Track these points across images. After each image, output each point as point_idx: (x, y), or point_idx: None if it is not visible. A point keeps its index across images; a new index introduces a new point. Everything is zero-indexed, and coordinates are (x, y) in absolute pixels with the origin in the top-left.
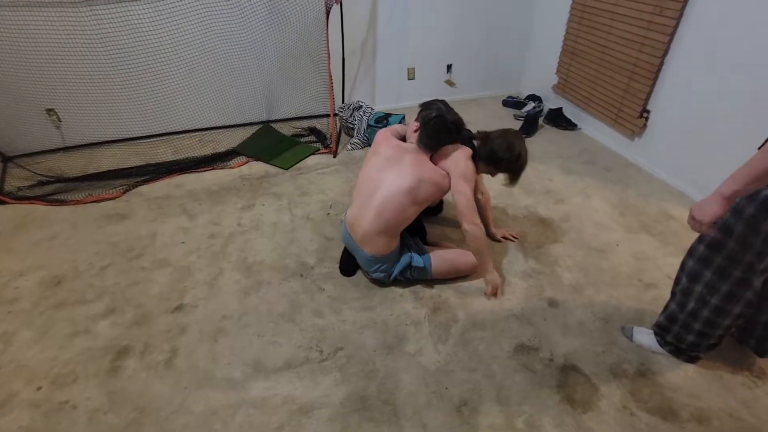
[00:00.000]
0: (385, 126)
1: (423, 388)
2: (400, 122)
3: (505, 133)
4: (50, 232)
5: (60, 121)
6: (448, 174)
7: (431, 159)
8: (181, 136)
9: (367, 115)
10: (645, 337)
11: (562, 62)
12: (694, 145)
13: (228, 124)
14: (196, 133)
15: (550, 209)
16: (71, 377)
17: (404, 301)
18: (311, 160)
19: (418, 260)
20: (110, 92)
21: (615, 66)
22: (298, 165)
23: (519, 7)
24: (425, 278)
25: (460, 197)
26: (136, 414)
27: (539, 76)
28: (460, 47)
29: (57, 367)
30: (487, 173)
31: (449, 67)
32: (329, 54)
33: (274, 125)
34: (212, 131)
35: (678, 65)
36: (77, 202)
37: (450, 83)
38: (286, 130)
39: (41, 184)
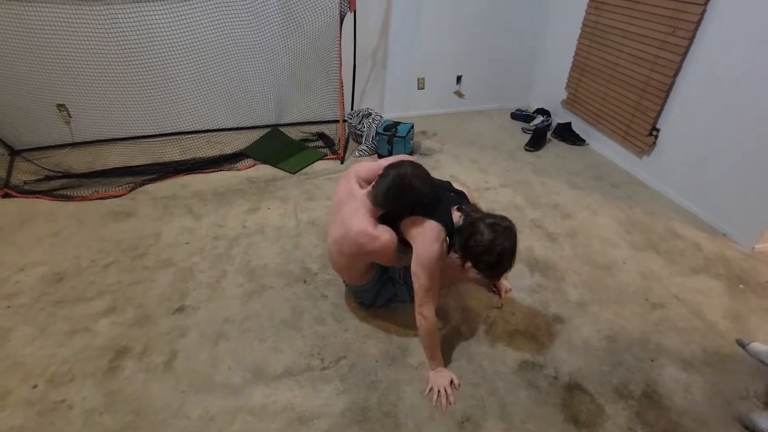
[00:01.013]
0: (393, 134)
1: (425, 401)
2: (408, 131)
3: (494, 226)
4: (55, 228)
5: (70, 117)
6: (394, 242)
7: (401, 223)
8: (189, 136)
9: (376, 122)
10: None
11: (572, 78)
12: (702, 164)
13: (237, 126)
14: (205, 134)
15: (557, 224)
16: (68, 376)
17: (407, 313)
18: (318, 165)
19: (403, 294)
20: (120, 90)
21: (625, 83)
22: (305, 170)
23: (531, 21)
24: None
25: (414, 281)
26: (132, 416)
27: (548, 91)
28: (471, 59)
29: (54, 365)
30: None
31: (459, 78)
32: (341, 60)
33: (283, 129)
34: (220, 132)
35: (689, 85)
36: (83, 198)
37: (459, 94)
38: (295, 134)
39: (48, 179)
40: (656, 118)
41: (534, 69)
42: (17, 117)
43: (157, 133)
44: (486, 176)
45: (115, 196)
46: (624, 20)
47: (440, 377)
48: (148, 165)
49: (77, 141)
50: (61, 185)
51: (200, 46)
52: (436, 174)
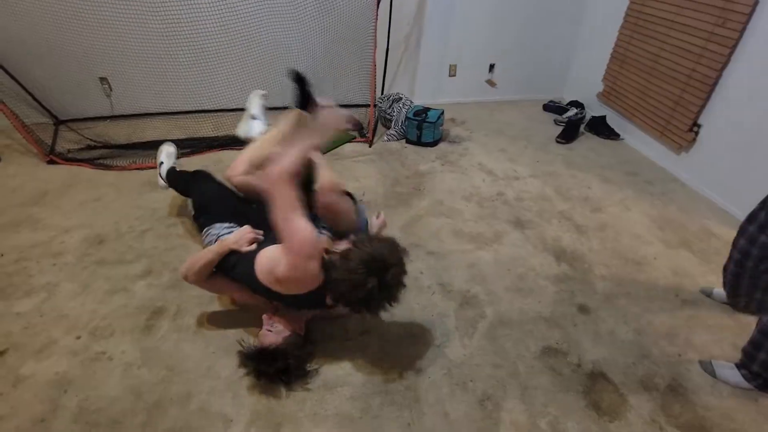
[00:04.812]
0: (423, 120)
1: (447, 378)
2: (438, 117)
3: (371, 253)
4: (96, 194)
5: (111, 90)
6: None
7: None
8: (222, 113)
9: (406, 107)
10: (728, 372)
11: (610, 69)
12: (744, 163)
13: (268, 105)
14: (237, 113)
15: (587, 217)
16: (108, 331)
17: (432, 293)
18: (347, 147)
19: None
20: (159, 66)
21: (668, 76)
22: (334, 151)
23: (569, 10)
24: None
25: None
26: (166, 372)
27: (584, 83)
28: (505, 48)
29: (96, 320)
30: None
31: (492, 66)
32: (376, 44)
33: None
34: None
35: (737, 79)
36: (122, 168)
37: (491, 83)
38: None
39: (89, 148)
40: (698, 114)
41: (570, 60)
42: (63, 88)
43: (192, 109)
44: (515, 166)
45: (152, 168)
46: (671, 10)
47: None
48: (182, 139)
49: (117, 114)
50: (101, 155)
51: (238, 24)
52: (464, 161)
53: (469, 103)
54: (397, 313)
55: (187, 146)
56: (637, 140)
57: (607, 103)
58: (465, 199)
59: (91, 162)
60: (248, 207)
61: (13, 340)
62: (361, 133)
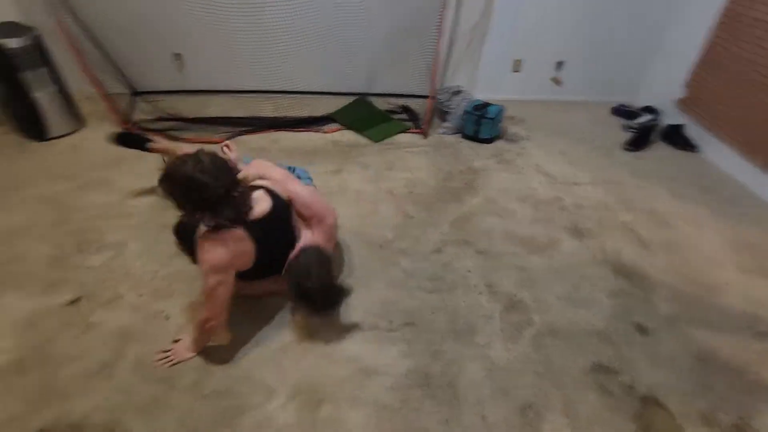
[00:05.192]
0: (483, 115)
1: (488, 380)
2: (498, 113)
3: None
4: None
5: (183, 66)
6: None
7: None
8: (282, 95)
9: (466, 101)
10: None
11: (697, 75)
12: None
13: (327, 90)
14: (297, 95)
15: (652, 231)
16: (168, 292)
17: (478, 293)
18: (401, 137)
19: None
20: (228, 45)
21: (765, 86)
22: (387, 140)
23: (652, 7)
24: None
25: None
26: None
27: (662, 87)
28: (577, 44)
29: (157, 281)
30: None
31: (560, 64)
32: (441, 33)
33: (370, 99)
34: (311, 95)
35: None
36: (188, 140)
37: (556, 81)
38: (380, 104)
39: (160, 119)
40: None
41: (648, 62)
42: (140, 62)
43: (255, 89)
44: (575, 170)
45: (215, 142)
46: None
47: (187, 354)
48: (244, 117)
49: (186, 89)
50: (171, 127)
51: (306, 7)
52: (520, 161)
53: (531, 101)
54: (441, 307)
55: (248, 125)
56: (717, 154)
57: (688, 111)
58: (519, 200)
59: (162, 133)
60: None
61: (86, 290)
62: (416, 123)
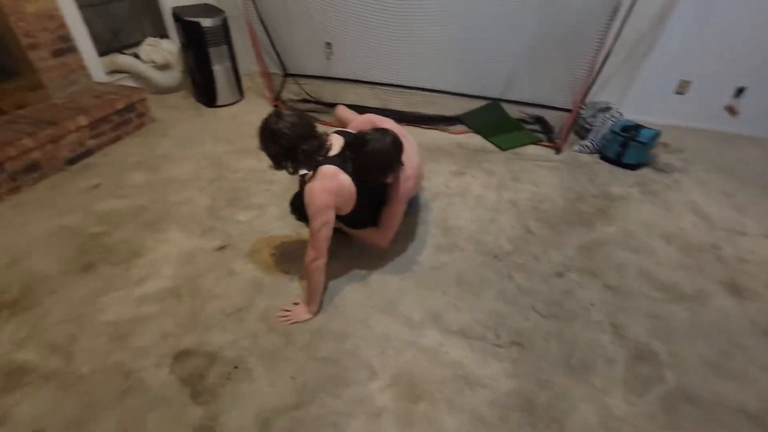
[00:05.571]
0: (632, 138)
1: (601, 427)
2: (652, 139)
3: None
4: None
5: (332, 55)
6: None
7: None
8: (414, 91)
9: (613, 120)
10: None
11: None
12: None
13: (459, 91)
14: (428, 93)
15: None
16: (295, 256)
17: (601, 330)
18: (531, 149)
19: None
20: (374, 39)
21: None
22: (515, 150)
23: None
24: None
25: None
26: (333, 309)
27: None
28: (765, 70)
29: (287, 244)
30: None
31: (740, 90)
32: (602, 45)
33: (503, 105)
34: (442, 94)
35: None
36: (326, 124)
37: (732, 110)
38: (513, 112)
39: (304, 101)
40: None
41: None
42: (294, 47)
43: (390, 82)
44: (742, 217)
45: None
46: None
47: (307, 315)
48: (376, 108)
49: (330, 75)
50: (312, 109)
51: (455, 7)
52: (671, 196)
53: (694, 129)
54: (556, 335)
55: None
56: None
57: None
58: (663, 239)
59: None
60: None
61: (231, 240)
62: (549, 136)
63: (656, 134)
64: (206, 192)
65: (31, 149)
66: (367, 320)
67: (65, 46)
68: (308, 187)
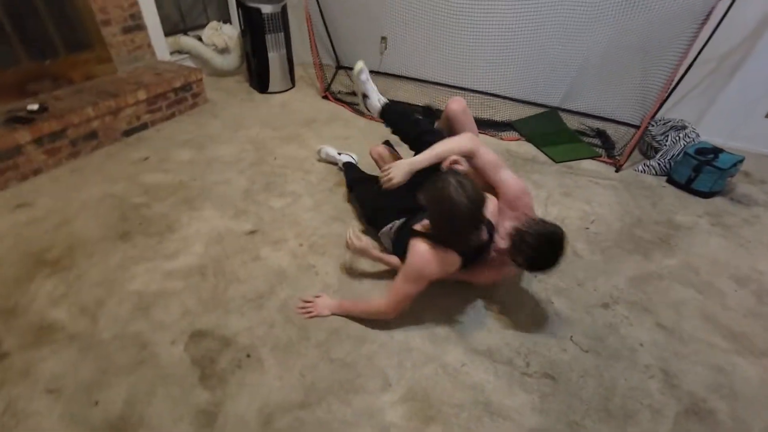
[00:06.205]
0: (708, 162)
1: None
2: (733, 166)
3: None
4: (347, 133)
5: (386, 49)
6: None
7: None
8: (468, 93)
9: (688, 140)
10: None
11: None
12: None
13: (516, 97)
14: (481, 95)
15: None
16: (322, 249)
17: (649, 376)
18: (587, 164)
19: None
20: (428, 36)
21: None
22: (570, 163)
23: None
24: None
25: None
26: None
27: None
28: None
29: (316, 237)
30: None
31: None
32: (685, 55)
33: (562, 114)
34: (496, 98)
35: None
36: (371, 118)
37: None
38: (572, 122)
39: (353, 94)
40: None
41: None
42: (350, 40)
43: (442, 81)
44: None
45: None
46: None
47: (324, 306)
48: (423, 106)
49: (383, 71)
50: (359, 102)
51: (519, 10)
52: (748, 231)
53: None
54: (594, 374)
55: (427, 115)
56: None
57: None
58: (735, 280)
59: (351, 106)
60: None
61: (262, 226)
62: (609, 152)
63: (739, 161)
64: (245, 174)
65: (92, 119)
66: (388, 327)
67: (135, 24)
68: (424, 248)
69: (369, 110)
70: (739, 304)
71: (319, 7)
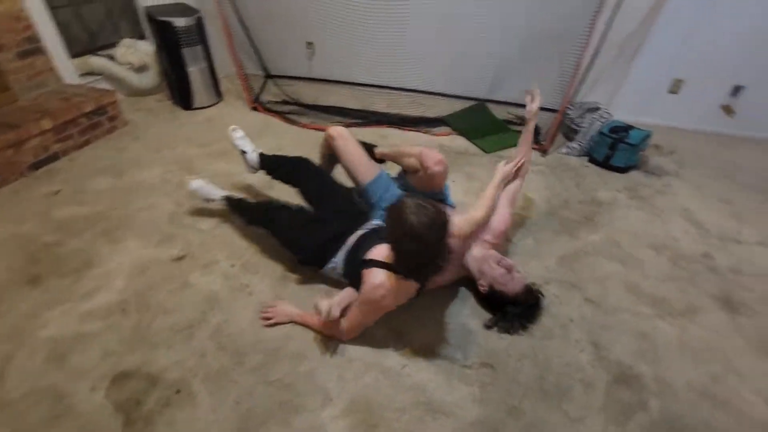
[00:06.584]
0: (621, 139)
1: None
2: (643, 141)
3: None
4: (279, 144)
5: (313, 54)
6: None
7: None
8: (398, 92)
9: (602, 120)
10: None
11: None
12: None
13: (444, 92)
14: (412, 94)
15: None
16: (255, 268)
17: (580, 350)
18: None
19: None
20: (355, 39)
21: None
22: (500, 152)
23: None
24: None
25: None
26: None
27: None
28: (763, 67)
29: (248, 255)
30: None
31: (737, 89)
32: (588, 42)
33: (490, 106)
34: (426, 95)
35: None
36: (304, 126)
37: (728, 110)
38: (500, 113)
39: (284, 102)
40: None
41: None
42: (276, 48)
43: (373, 83)
44: (740, 225)
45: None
46: None
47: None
48: (357, 110)
49: (313, 76)
50: (291, 110)
51: (437, 8)
52: (661, 201)
53: (688, 130)
54: (530, 356)
55: (359, 117)
56: None
57: None
58: (652, 248)
59: (282, 115)
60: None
61: (191, 250)
62: (535, 138)
63: (647, 135)
64: (171, 197)
65: None
66: (328, 341)
67: (32, 47)
68: (381, 277)
69: (250, 165)
70: (658, 270)
71: (239, 16)
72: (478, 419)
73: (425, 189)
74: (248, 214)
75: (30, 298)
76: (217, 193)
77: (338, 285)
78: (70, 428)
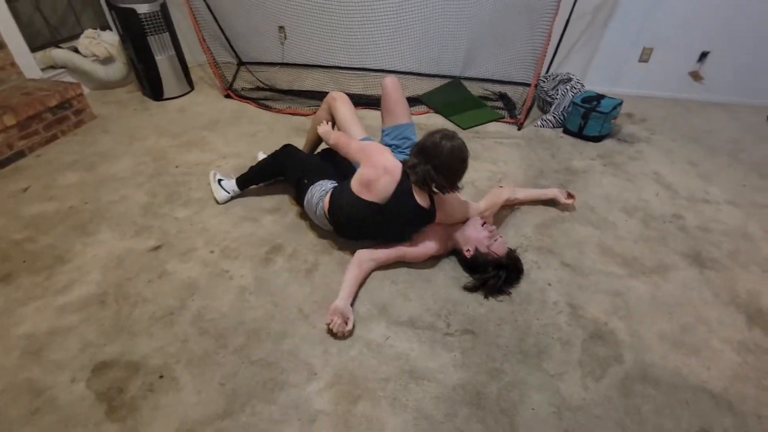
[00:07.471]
0: (593, 108)
1: (554, 418)
2: (614, 109)
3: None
4: (253, 130)
5: (285, 39)
6: None
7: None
8: (374, 73)
9: (574, 91)
10: None
11: None
12: None
13: (420, 71)
14: (385, 74)
15: None
16: (235, 253)
17: (558, 311)
18: (492, 126)
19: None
20: (328, 21)
21: None
22: (476, 128)
23: None
24: None
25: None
26: (271, 306)
27: None
28: (729, 32)
29: (227, 241)
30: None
31: (704, 55)
32: (557, 13)
33: (465, 83)
34: (403, 75)
35: None
36: (278, 111)
37: (696, 76)
38: (475, 89)
39: (258, 89)
40: None
41: None
42: (247, 34)
43: (348, 65)
44: (707, 186)
45: (302, 115)
46: None
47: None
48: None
49: (285, 62)
50: (265, 96)
51: None
52: (633, 167)
53: (658, 97)
54: (509, 320)
55: None
56: None
57: None
58: (625, 211)
59: (256, 101)
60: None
61: (167, 239)
62: (511, 112)
63: (618, 104)
64: (144, 188)
65: None
66: (309, 317)
67: None
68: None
69: (228, 191)
70: (630, 232)
71: (206, 1)
72: (460, 383)
73: (393, 121)
74: (260, 174)
75: (1, 296)
76: (232, 184)
77: (326, 272)
78: (51, 420)
